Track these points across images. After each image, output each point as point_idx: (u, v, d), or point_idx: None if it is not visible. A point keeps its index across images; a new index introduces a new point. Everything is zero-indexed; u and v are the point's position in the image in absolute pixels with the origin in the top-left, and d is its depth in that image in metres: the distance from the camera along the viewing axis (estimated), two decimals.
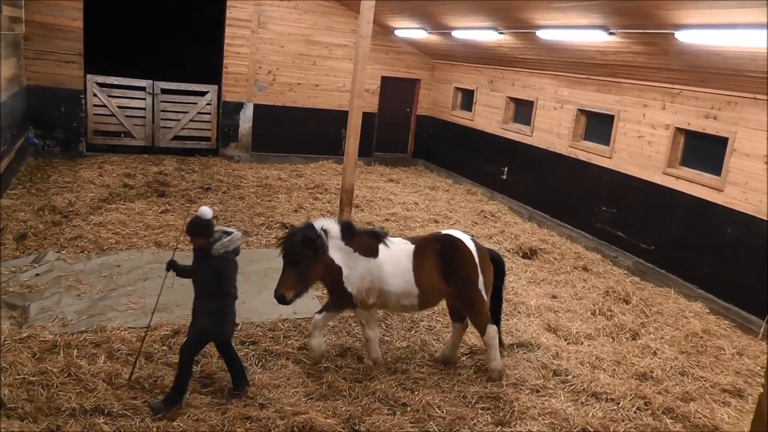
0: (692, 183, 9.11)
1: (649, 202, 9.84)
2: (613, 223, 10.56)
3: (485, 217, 12.21)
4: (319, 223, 5.87)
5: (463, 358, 6.66)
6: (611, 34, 8.73)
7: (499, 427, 5.45)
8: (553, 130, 12.14)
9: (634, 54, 9.10)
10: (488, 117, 14.30)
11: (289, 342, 6.59)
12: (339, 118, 14.98)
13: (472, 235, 10.61)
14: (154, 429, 4.90)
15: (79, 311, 6.80)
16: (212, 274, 5.16)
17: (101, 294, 7.31)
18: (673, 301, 8.70)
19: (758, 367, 7.00)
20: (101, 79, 13.68)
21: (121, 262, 8.26)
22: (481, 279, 6.10)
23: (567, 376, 6.39)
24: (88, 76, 13.46)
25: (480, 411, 5.66)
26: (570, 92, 11.70)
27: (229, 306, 5.30)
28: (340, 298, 6.03)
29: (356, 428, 5.19)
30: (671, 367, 6.78)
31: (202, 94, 14.72)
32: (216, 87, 14.76)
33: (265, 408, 5.32)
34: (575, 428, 5.49)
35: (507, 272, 9.14)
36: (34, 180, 11.37)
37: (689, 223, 9.14)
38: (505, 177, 13.63)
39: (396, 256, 6.00)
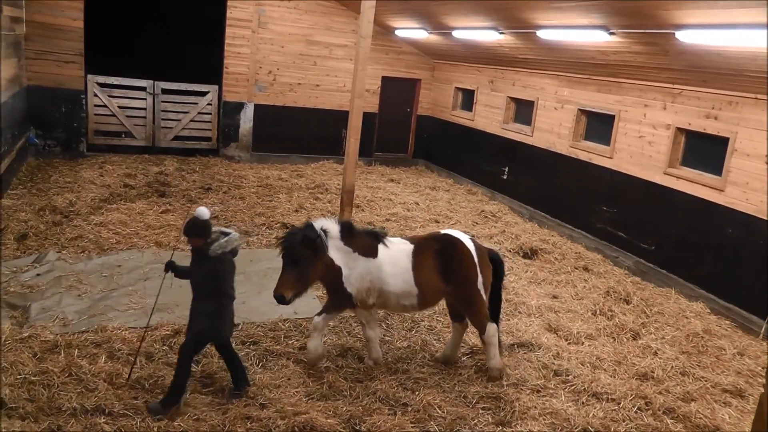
0: (693, 183, 9.11)
1: (649, 202, 9.84)
2: (613, 223, 10.56)
3: (486, 217, 12.21)
4: (318, 223, 5.86)
5: (464, 358, 6.66)
6: (612, 34, 8.73)
7: (500, 427, 5.45)
8: (553, 130, 12.14)
9: (635, 54, 9.10)
10: (489, 117, 14.30)
11: (290, 342, 6.59)
12: (339, 118, 14.97)
13: (473, 235, 10.64)
14: (155, 429, 4.90)
15: (80, 311, 6.80)
16: (209, 275, 5.15)
17: (102, 294, 7.31)
18: (673, 301, 8.70)
19: (759, 368, 6.99)
20: (102, 79, 13.69)
21: (121, 262, 8.26)
22: (480, 279, 6.10)
23: (568, 376, 6.39)
24: (89, 76, 13.47)
25: (481, 411, 5.66)
26: (570, 92, 11.69)
27: (227, 307, 5.28)
28: (339, 299, 6.03)
29: (357, 428, 5.19)
30: (672, 367, 6.78)
31: (203, 94, 14.73)
32: (216, 87, 14.76)
33: (266, 408, 5.32)
34: (576, 428, 5.49)
35: (507, 272, 9.19)
36: (35, 180, 11.37)
37: (690, 223, 9.13)
38: (505, 177, 13.63)
39: (395, 256, 6.00)
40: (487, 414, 5.62)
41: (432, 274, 6.02)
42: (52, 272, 7.66)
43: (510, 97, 13.59)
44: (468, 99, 15.38)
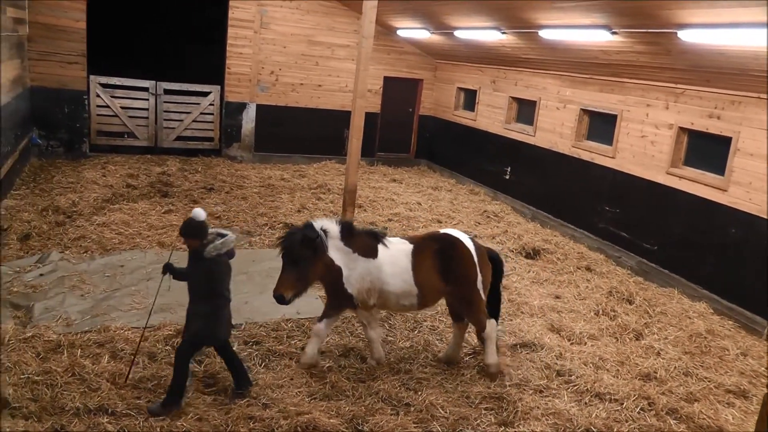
0: (696, 183, 9.09)
1: (652, 202, 9.83)
2: (616, 223, 10.54)
3: (488, 217, 12.20)
4: (318, 223, 5.85)
5: (467, 358, 6.65)
6: (614, 33, 8.71)
7: (503, 428, 5.45)
8: (555, 130, 12.13)
9: (637, 53, 9.09)
10: (491, 117, 14.29)
11: (293, 342, 6.59)
12: (342, 118, 14.97)
13: (474, 235, 10.64)
14: (158, 428, 4.91)
15: (83, 311, 6.82)
16: (205, 276, 5.14)
17: (105, 294, 7.33)
18: (676, 302, 8.69)
19: (762, 368, 6.98)
20: (104, 79, 13.71)
21: (124, 262, 8.27)
22: (479, 278, 6.11)
23: (570, 376, 6.39)
24: (92, 77, 13.50)
25: (483, 411, 5.65)
26: (573, 92, 11.68)
27: (223, 308, 5.25)
28: (339, 299, 6.01)
29: (359, 428, 5.19)
30: (675, 367, 6.76)
31: (205, 94, 14.75)
32: (219, 87, 14.77)
33: (269, 408, 5.33)
34: (579, 429, 5.48)
35: (510, 272, 9.20)
36: (38, 180, 11.40)
37: (693, 223, 9.12)
38: (507, 177, 13.62)
39: (395, 256, 5.99)
40: (490, 414, 5.62)
41: (431, 274, 6.02)
42: (55, 272, 7.68)
43: (512, 97, 13.58)
44: (470, 99, 15.38)
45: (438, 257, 6.05)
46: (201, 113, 14.75)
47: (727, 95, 8.55)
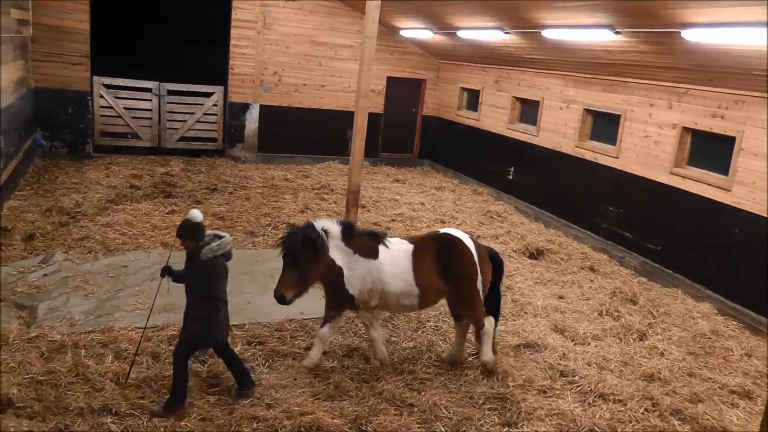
0: (699, 183, 9.07)
1: (655, 202, 9.81)
2: (619, 224, 10.52)
3: (491, 217, 12.19)
4: (319, 223, 5.84)
5: (470, 359, 6.64)
6: (617, 33, 8.70)
7: (506, 428, 5.44)
8: (559, 130, 12.11)
9: (641, 53, 9.07)
10: (494, 117, 14.28)
11: (296, 342, 6.60)
12: (345, 118, 14.98)
13: (478, 235, 10.63)
14: (162, 429, 4.92)
15: (87, 311, 6.83)
16: (201, 278, 5.14)
17: (108, 294, 7.34)
18: (680, 302, 8.67)
19: (767, 369, 6.95)
20: (108, 80, 13.74)
21: (128, 262, 8.29)
22: (479, 277, 6.11)
23: (574, 377, 6.37)
24: (95, 78, 13.52)
25: (487, 412, 5.65)
26: (576, 92, 11.67)
27: (219, 310, 5.23)
28: (339, 299, 6.00)
29: (363, 428, 5.19)
30: (679, 368, 6.75)
31: (208, 95, 14.76)
32: (222, 88, 14.79)
33: (272, 408, 5.33)
34: (582, 429, 5.48)
35: (514, 273, 9.19)
36: (42, 181, 11.43)
37: (696, 223, 9.09)
38: (511, 177, 13.61)
39: (395, 257, 5.98)
40: (494, 415, 5.61)
41: (432, 274, 6.01)
42: (59, 273, 7.70)
43: (515, 97, 13.57)
44: (473, 99, 15.37)
45: (438, 257, 6.04)
46: (204, 114, 14.77)
47: (731, 95, 8.53)
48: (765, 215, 8.04)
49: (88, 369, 5.51)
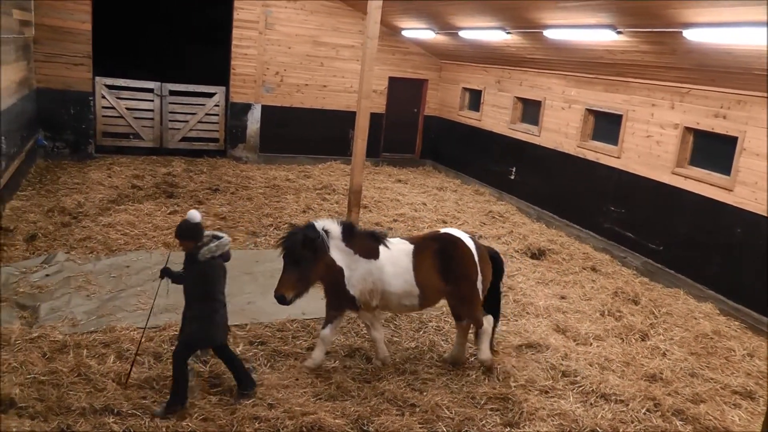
0: (701, 183, 9.05)
1: (657, 202, 9.79)
2: (621, 224, 10.51)
3: (493, 217, 12.18)
4: (320, 224, 5.84)
5: (472, 359, 6.64)
6: (619, 33, 8.69)
7: (508, 428, 5.44)
8: (561, 130, 12.10)
9: (643, 53, 9.06)
10: (496, 117, 14.28)
11: (298, 342, 6.60)
12: (346, 118, 14.99)
13: (480, 236, 10.63)
14: (164, 428, 4.93)
15: (89, 311, 6.84)
16: (199, 279, 5.13)
17: (110, 294, 7.35)
18: (682, 302, 8.65)
19: None
20: (110, 81, 13.76)
21: (130, 262, 8.30)
22: (480, 277, 6.11)
23: (576, 377, 6.37)
24: (97, 79, 13.54)
25: (489, 412, 5.64)
26: (578, 92, 11.66)
27: (217, 311, 5.22)
28: (340, 300, 5.99)
29: (365, 429, 5.19)
30: (681, 368, 6.74)
31: (210, 95, 14.77)
32: (224, 88, 14.81)
33: (274, 408, 5.33)
34: (584, 429, 5.47)
35: (515, 273, 9.19)
36: (44, 181, 11.45)
37: (698, 223, 9.08)
38: (513, 177, 13.60)
39: (396, 257, 5.99)
40: (495, 415, 5.61)
41: (432, 274, 6.02)
42: (61, 273, 7.71)
43: (517, 97, 13.56)
44: (475, 99, 15.36)
45: (438, 257, 6.05)
46: (206, 114, 14.78)
47: (733, 95, 8.52)
48: (767, 215, 8.02)
49: (90, 369, 5.52)
